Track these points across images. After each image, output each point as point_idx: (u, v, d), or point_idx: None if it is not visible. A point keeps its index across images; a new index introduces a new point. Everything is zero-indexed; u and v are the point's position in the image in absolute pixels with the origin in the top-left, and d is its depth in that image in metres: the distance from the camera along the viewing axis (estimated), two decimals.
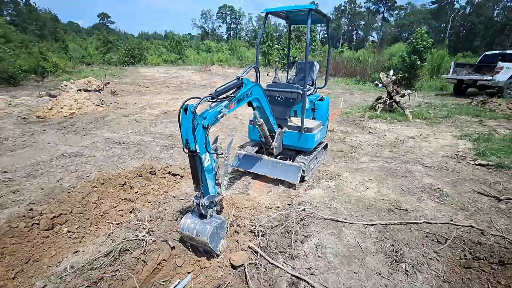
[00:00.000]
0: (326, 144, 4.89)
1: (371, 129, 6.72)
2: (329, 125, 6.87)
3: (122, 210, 3.09)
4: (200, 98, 2.29)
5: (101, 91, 10.03)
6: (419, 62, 15.39)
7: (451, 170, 4.45)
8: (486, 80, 12.02)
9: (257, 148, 4.24)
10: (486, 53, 14.38)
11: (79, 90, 9.30)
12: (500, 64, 11.72)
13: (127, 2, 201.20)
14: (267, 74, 4.80)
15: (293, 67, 4.86)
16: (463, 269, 2.45)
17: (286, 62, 5.11)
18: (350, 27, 74.33)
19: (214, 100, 2.52)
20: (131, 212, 3.11)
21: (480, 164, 4.66)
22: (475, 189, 3.85)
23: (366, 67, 20.43)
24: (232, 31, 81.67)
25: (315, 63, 4.59)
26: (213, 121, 2.39)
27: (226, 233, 2.70)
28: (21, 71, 13.86)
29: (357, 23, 73.54)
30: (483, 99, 10.06)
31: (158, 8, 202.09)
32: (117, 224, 2.94)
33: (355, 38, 73.63)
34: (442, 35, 55.85)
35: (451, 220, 3.10)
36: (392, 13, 70.35)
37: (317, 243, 2.67)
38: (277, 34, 35.22)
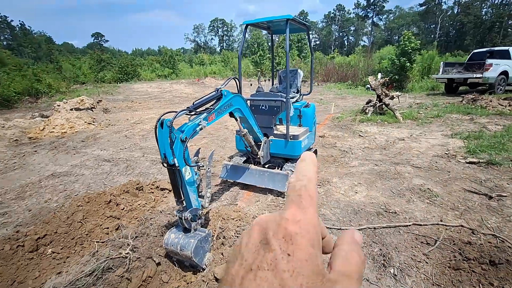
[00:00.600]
0: (316, 150, 4.88)
1: (361, 133, 6.73)
2: (320, 131, 6.88)
3: (108, 228, 3.05)
4: (176, 112, 2.30)
5: (93, 109, 10.07)
6: (408, 64, 15.58)
7: (441, 169, 4.44)
8: (476, 77, 12.14)
9: (245, 158, 4.23)
10: (475, 51, 14.57)
11: (72, 109, 9.34)
12: (489, 61, 11.87)
13: (121, 20, 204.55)
14: (251, 84, 4.83)
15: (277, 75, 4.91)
16: (453, 271, 2.41)
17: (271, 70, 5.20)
18: (340, 33, 75.50)
19: (192, 113, 2.53)
20: (117, 229, 3.07)
21: (470, 162, 4.65)
22: (466, 187, 3.83)
23: (357, 71, 20.65)
24: (224, 43, 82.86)
25: (299, 70, 4.63)
26: (191, 134, 2.39)
27: (212, 246, 2.66)
28: (15, 94, 13.95)
29: (348, 29, 74.74)
30: (473, 96, 10.13)
31: (152, 25, 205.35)
32: (102, 242, 2.89)
33: (346, 43, 74.69)
34: (432, 35, 56.77)
35: (441, 221, 3.08)
36: (381, 17, 71.68)
37: None
38: (269, 44, 35.68)
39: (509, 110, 8.42)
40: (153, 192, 3.82)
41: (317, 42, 74.45)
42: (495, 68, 11.92)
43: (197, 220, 2.55)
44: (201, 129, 2.50)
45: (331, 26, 75.07)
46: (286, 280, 0.25)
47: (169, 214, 3.28)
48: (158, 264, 2.57)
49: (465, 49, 36.90)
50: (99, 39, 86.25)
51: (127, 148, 6.22)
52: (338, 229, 2.95)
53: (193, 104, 2.55)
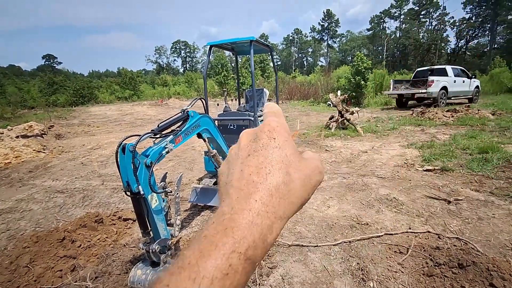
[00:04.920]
0: None
1: (327, 147, 6.95)
2: None
3: (61, 271, 2.67)
4: (140, 135, 2.14)
5: (44, 135, 9.22)
6: (363, 82, 16.80)
7: (403, 178, 4.68)
8: (421, 92, 13.44)
9: (215, 180, 4.07)
10: (418, 69, 16.25)
11: (18, 136, 8.45)
12: (431, 78, 13.27)
13: (76, 42, 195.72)
14: (217, 104, 4.79)
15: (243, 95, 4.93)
16: (427, 278, 2.46)
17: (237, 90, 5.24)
18: (300, 54, 79.91)
19: (157, 136, 2.38)
20: (72, 271, 2.70)
21: (427, 170, 4.97)
22: (427, 194, 4.05)
23: (317, 89, 21.75)
24: (187, 64, 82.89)
25: (265, 89, 4.70)
26: (157, 158, 2.23)
27: None
28: None
29: (306, 51, 79.46)
30: (421, 110, 11.12)
31: (110, 47, 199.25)
32: None
33: (305, 63, 79.05)
34: (380, 56, 62.42)
35: (409, 228, 3.18)
36: (335, 40, 77.50)
37: (283, 273, 2.53)
38: (232, 65, 36.36)
39: (452, 120, 9.34)
40: (114, 224, 3.48)
41: (279, 63, 77.81)
42: (437, 84, 13.33)
43: (167, 251, 2.33)
44: (167, 152, 2.34)
45: (290, 47, 79.25)
46: (275, 152, 0.33)
47: (134, 247, 2.98)
48: None
49: (409, 68, 41.06)
50: (51, 61, 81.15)
51: (83, 177, 5.69)
52: (315, 246, 2.90)
53: (158, 126, 2.40)
